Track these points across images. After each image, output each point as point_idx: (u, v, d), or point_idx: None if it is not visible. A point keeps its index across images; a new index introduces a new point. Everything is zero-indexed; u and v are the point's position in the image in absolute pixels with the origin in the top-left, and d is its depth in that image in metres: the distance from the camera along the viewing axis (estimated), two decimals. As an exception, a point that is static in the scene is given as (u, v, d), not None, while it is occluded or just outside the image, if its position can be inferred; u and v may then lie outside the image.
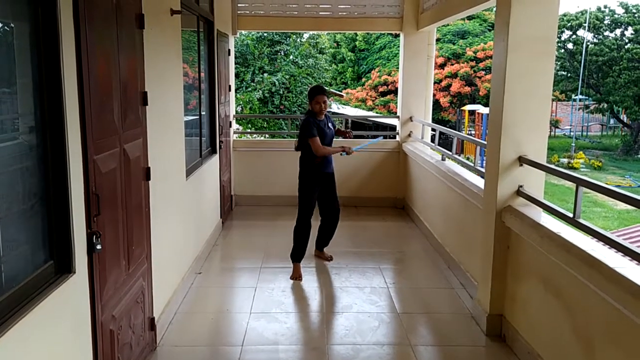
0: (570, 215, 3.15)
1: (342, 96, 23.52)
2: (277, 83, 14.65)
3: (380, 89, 25.01)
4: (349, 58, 29.45)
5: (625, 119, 28.07)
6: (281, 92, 14.81)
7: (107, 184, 2.76)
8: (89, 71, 2.50)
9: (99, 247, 2.56)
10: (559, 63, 27.28)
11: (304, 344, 3.91)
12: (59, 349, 2.32)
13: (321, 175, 5.11)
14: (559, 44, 27.22)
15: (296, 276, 4.95)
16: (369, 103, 25.11)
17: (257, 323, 4.11)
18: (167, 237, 4.04)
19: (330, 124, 5.11)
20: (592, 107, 28.70)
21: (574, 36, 27.78)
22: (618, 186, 16.45)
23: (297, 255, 5.08)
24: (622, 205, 15.76)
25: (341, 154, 5.12)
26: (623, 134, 29.41)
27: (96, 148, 2.61)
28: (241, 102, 14.02)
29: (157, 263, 3.66)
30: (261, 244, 5.91)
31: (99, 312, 2.68)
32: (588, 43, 26.59)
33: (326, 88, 5.92)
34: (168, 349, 3.71)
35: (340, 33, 28.29)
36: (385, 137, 7.86)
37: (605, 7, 27.55)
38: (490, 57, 21.44)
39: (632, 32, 26.52)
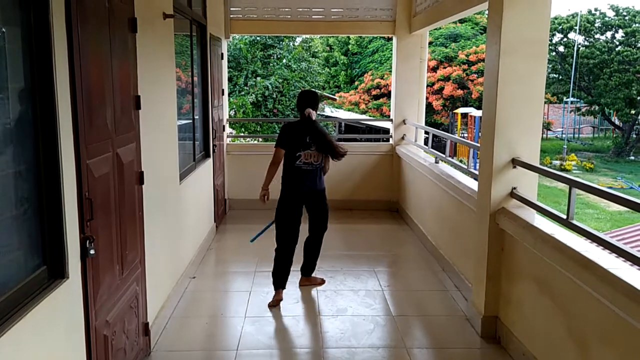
0: (564, 216, 3.16)
1: (334, 99, 23.54)
2: (270, 87, 14.65)
3: (373, 92, 25.05)
4: (341, 61, 29.50)
5: (616, 121, 28.25)
6: (274, 96, 14.80)
7: (100, 189, 2.74)
8: (81, 75, 2.49)
9: (92, 251, 2.55)
10: (550, 66, 27.44)
11: (299, 347, 3.90)
12: (53, 355, 2.30)
13: (297, 194, 4.52)
14: (550, 47, 27.38)
15: (274, 302, 4.48)
16: (362, 106, 25.14)
17: (252, 327, 4.09)
18: (160, 242, 4.02)
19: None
20: (583, 110, 28.87)
21: (565, 39, 27.99)
22: (610, 188, 16.55)
23: (276, 279, 4.56)
24: (615, 207, 15.85)
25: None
26: (614, 135, 29.59)
27: (89, 152, 2.60)
28: (234, 106, 14.01)
29: (151, 267, 3.65)
30: (255, 248, 5.87)
31: (93, 318, 2.66)
32: (579, 46, 26.78)
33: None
34: (162, 354, 3.68)
35: (333, 37, 28.36)
36: (378, 139, 7.85)
37: (596, 10, 27.77)
38: (482, 60, 21.56)
39: (623, 34, 26.73)
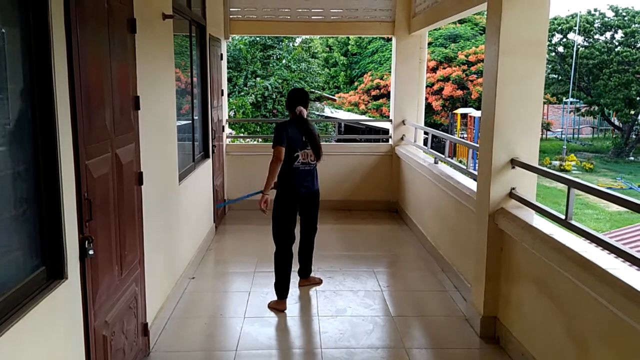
0: (563, 217, 3.16)
1: (334, 100, 23.55)
2: (269, 87, 14.66)
3: (373, 93, 25.08)
4: (341, 62, 29.53)
5: (616, 122, 28.28)
6: (274, 97, 14.81)
7: (99, 189, 2.74)
8: (80, 76, 2.49)
9: (91, 252, 2.55)
10: (550, 66, 27.48)
11: (298, 348, 3.91)
12: (52, 355, 2.30)
13: (296, 196, 4.45)
14: (550, 48, 27.41)
15: (277, 308, 4.40)
16: (362, 107, 25.16)
17: (251, 327, 4.09)
18: (160, 242, 4.02)
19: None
20: (583, 110, 28.90)
21: (564, 39, 28.01)
22: (610, 188, 16.55)
23: (279, 291, 4.44)
24: (614, 207, 15.86)
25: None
26: (614, 136, 29.62)
27: (88, 153, 2.60)
28: (234, 107, 14.01)
29: (150, 268, 3.65)
30: (255, 248, 5.89)
31: (92, 318, 2.66)
32: (578, 46, 26.80)
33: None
34: (161, 355, 3.69)
35: (333, 37, 28.37)
36: (375, 140, 7.84)
37: (595, 10, 27.80)
38: (482, 60, 21.57)
39: (622, 35, 26.76)
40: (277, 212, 4.49)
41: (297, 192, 4.45)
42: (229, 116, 11.79)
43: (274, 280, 4.51)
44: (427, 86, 10.78)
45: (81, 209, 2.52)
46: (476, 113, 21.41)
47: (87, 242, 2.53)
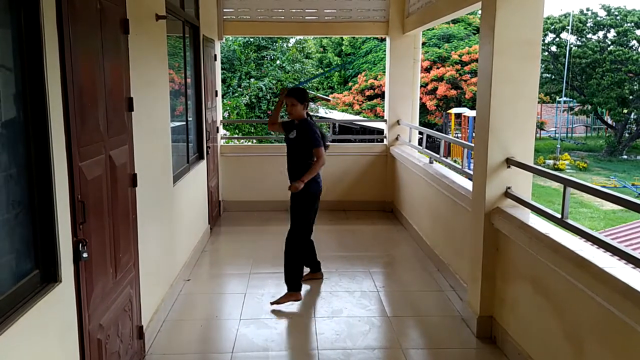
0: (559, 216, 3.16)
1: (328, 100, 23.55)
2: (264, 88, 14.62)
3: (367, 93, 25.09)
4: (335, 62, 29.53)
5: (609, 120, 28.41)
6: (268, 97, 14.78)
7: (92, 191, 2.72)
8: (73, 77, 2.47)
9: (85, 255, 2.53)
10: (543, 66, 27.56)
11: (294, 349, 3.89)
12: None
13: (319, 193, 4.68)
14: (543, 47, 27.51)
15: (293, 300, 4.55)
16: (356, 107, 25.16)
17: (247, 329, 4.08)
18: (154, 244, 4.00)
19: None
20: (576, 109, 29.03)
21: (557, 39, 28.15)
22: (604, 187, 16.59)
23: (298, 282, 4.62)
24: (608, 206, 15.93)
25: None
26: (607, 135, 29.76)
27: (81, 155, 2.58)
28: (228, 108, 13.98)
29: (144, 270, 3.63)
30: (250, 250, 5.88)
31: (86, 321, 2.64)
32: (571, 46, 26.93)
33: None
34: (157, 357, 3.66)
35: (327, 38, 28.37)
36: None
37: (587, 9, 27.98)
38: (475, 60, 21.62)
39: (615, 34, 26.92)
40: (306, 207, 4.59)
41: (321, 189, 4.66)
42: (223, 117, 11.76)
43: (284, 277, 4.58)
44: (421, 86, 10.80)
45: (75, 211, 2.50)
46: (470, 113, 21.47)
47: (81, 244, 2.51)
